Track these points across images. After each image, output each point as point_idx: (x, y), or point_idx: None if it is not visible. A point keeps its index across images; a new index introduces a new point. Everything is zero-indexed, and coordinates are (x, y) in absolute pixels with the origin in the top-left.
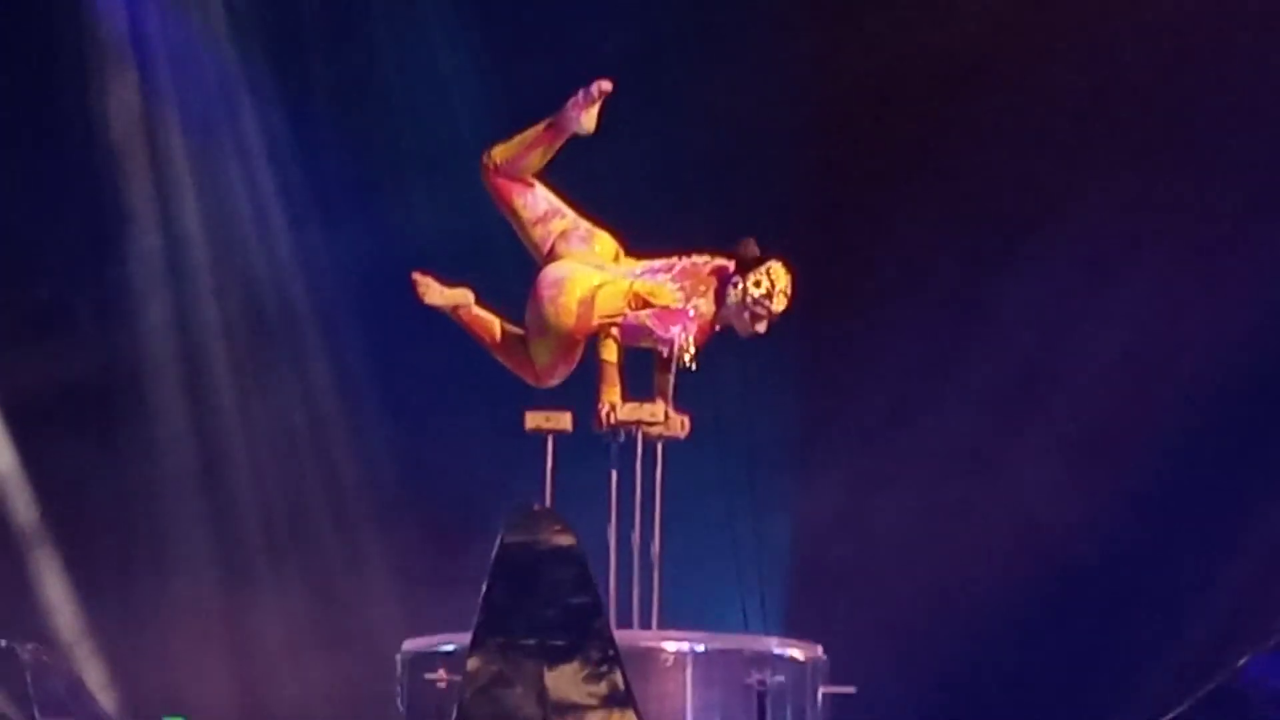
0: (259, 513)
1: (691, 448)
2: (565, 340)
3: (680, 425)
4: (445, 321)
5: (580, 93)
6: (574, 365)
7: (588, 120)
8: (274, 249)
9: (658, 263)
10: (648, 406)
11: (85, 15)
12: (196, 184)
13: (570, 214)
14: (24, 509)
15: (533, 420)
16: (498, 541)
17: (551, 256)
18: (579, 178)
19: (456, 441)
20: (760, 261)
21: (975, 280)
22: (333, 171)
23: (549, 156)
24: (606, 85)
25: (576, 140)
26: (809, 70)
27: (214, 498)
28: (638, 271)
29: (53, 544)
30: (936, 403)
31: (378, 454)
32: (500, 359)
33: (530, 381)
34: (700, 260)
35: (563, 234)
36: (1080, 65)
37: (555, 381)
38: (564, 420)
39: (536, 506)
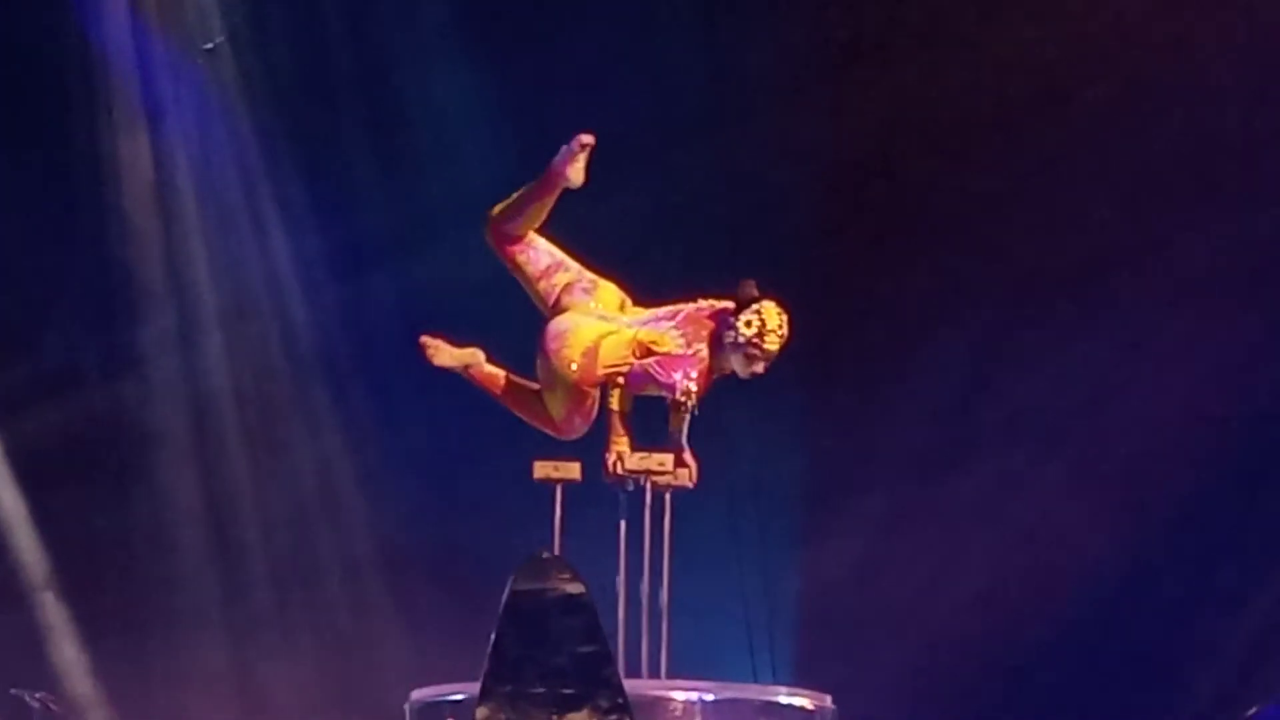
0: (268, 566)
1: (700, 497)
2: (574, 392)
3: (689, 475)
4: (453, 375)
5: (564, 147)
6: (592, 416)
7: (574, 174)
8: (285, 306)
9: (662, 311)
10: (656, 456)
11: (98, 75)
12: (207, 243)
13: (574, 266)
14: (35, 564)
15: (541, 470)
16: (507, 590)
17: (556, 309)
18: (591, 228)
19: (465, 492)
20: (756, 302)
21: (989, 330)
22: (344, 231)
23: (545, 211)
24: (588, 138)
25: (593, 191)
26: (831, 116)
27: (224, 553)
28: (642, 320)
29: (64, 599)
30: (949, 452)
31: (386, 505)
32: (519, 414)
33: (552, 434)
34: (704, 305)
35: (566, 287)
36: (1110, 118)
37: (576, 433)
38: (573, 470)
39: (545, 555)
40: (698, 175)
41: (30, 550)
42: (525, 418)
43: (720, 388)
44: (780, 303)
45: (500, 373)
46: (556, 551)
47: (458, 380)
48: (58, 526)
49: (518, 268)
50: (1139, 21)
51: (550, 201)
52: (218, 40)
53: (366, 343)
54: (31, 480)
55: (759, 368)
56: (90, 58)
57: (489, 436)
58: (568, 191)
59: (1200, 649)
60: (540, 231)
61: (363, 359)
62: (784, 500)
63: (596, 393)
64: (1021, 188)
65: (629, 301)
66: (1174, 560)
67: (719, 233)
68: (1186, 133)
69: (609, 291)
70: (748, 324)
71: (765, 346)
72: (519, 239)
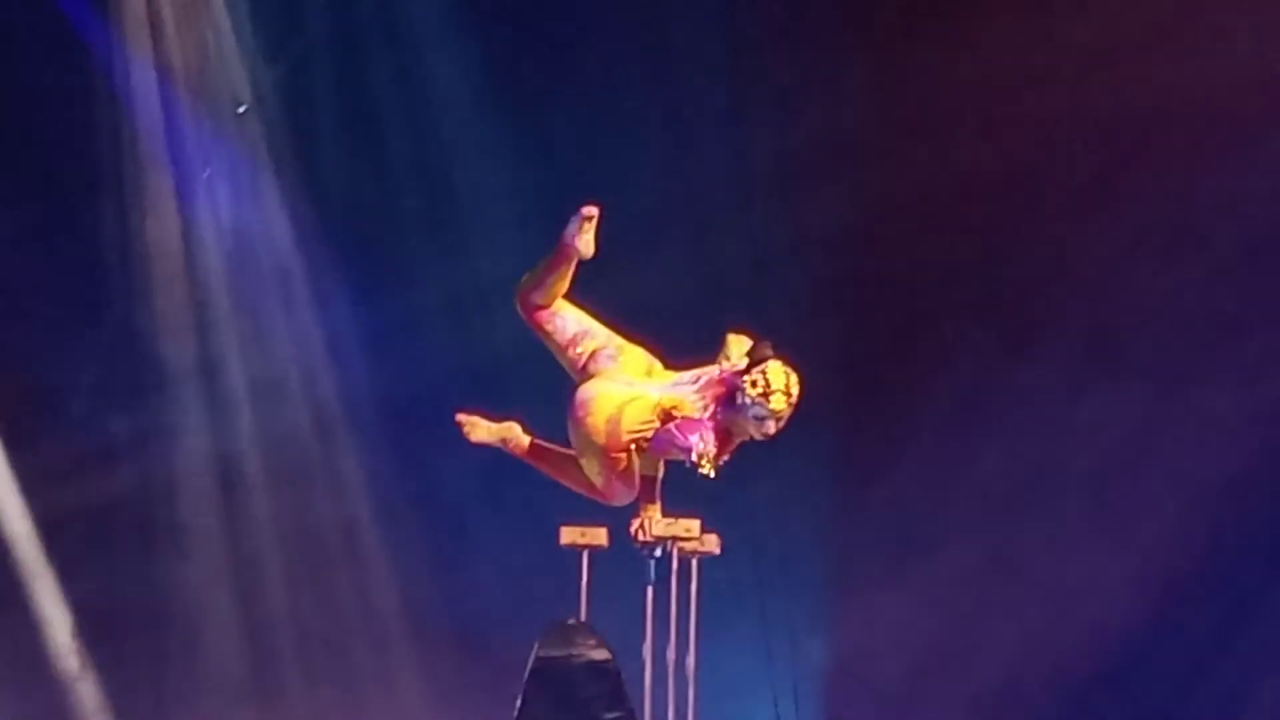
0: (294, 631)
1: (726, 563)
2: (606, 458)
3: (715, 541)
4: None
5: (572, 218)
6: (635, 480)
7: (583, 245)
8: (314, 379)
9: (687, 375)
10: (682, 522)
11: (127, 149)
12: (237, 317)
13: (601, 333)
14: (61, 631)
15: (568, 536)
16: (533, 656)
17: (584, 376)
18: (619, 296)
19: (492, 559)
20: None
21: (1019, 397)
22: (374, 304)
23: (565, 281)
24: (590, 210)
25: (624, 261)
26: (857, 194)
27: (252, 627)
28: (666, 385)
29: (89, 665)
30: (976, 516)
31: (413, 573)
32: (564, 483)
33: (600, 501)
34: (725, 369)
35: (593, 354)
36: (1145, 193)
37: (621, 499)
38: (599, 536)
39: (572, 621)
40: (725, 248)
41: (57, 617)
42: (570, 485)
43: (749, 453)
44: (788, 362)
45: (538, 443)
46: (583, 617)
47: (485, 447)
48: (83, 591)
49: (547, 336)
50: (1175, 98)
51: (567, 271)
52: (246, 106)
53: (395, 414)
54: (58, 545)
55: (769, 428)
56: (120, 131)
57: (517, 503)
58: (597, 260)
59: (1234, 709)
60: (571, 299)
61: (391, 430)
62: (811, 567)
63: (630, 457)
64: (1052, 260)
65: (657, 366)
66: (1212, 621)
67: (746, 305)
68: (1229, 200)
69: (635, 356)
70: (753, 384)
71: (771, 405)
72: (546, 308)
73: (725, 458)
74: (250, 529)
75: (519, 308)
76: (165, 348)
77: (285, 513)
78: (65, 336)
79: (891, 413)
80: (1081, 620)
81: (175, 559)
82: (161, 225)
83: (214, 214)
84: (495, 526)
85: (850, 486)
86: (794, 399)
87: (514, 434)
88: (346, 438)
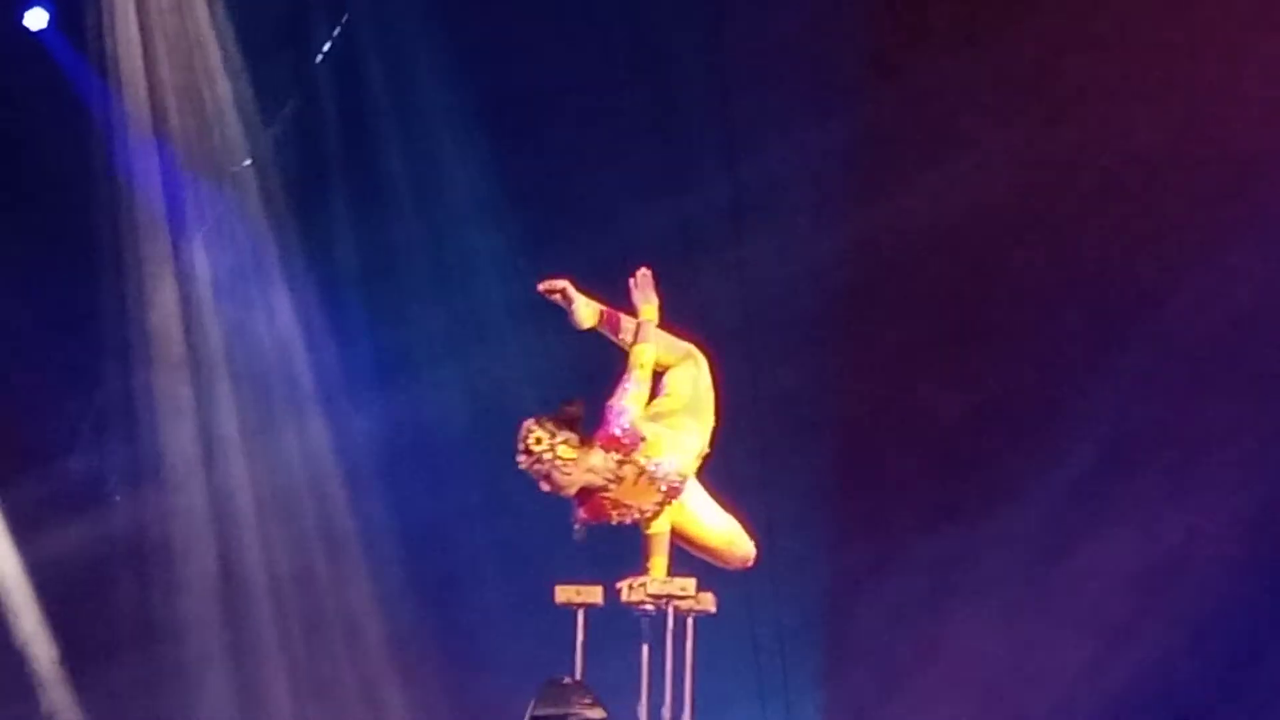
0: (292, 697)
1: (722, 622)
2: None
3: (711, 599)
4: (476, 497)
5: None
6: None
7: (575, 318)
8: (304, 423)
9: None
10: (678, 580)
11: (124, 203)
12: (231, 365)
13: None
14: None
15: (563, 594)
16: (528, 715)
17: None
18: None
19: (487, 616)
20: None
21: (1006, 450)
22: (368, 352)
23: (617, 338)
24: (545, 284)
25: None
26: (856, 236)
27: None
28: None
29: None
30: (976, 580)
31: (408, 627)
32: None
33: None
34: None
35: None
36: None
37: (741, 552)
38: (594, 594)
39: (567, 680)
40: (720, 294)
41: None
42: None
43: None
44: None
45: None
46: (578, 676)
47: (480, 503)
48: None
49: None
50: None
51: (618, 339)
52: (245, 164)
53: (389, 463)
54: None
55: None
56: (118, 195)
57: (510, 558)
58: None
59: None
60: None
61: (385, 479)
62: (805, 627)
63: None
64: (1057, 309)
65: None
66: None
67: (744, 362)
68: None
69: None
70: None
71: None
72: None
73: (622, 514)
74: (244, 584)
75: None
76: (161, 397)
77: (281, 574)
78: (62, 395)
79: (887, 476)
80: (1063, 699)
81: (176, 662)
82: (159, 293)
83: (210, 267)
84: (489, 582)
85: (848, 547)
86: (531, 449)
87: None
88: (338, 487)
